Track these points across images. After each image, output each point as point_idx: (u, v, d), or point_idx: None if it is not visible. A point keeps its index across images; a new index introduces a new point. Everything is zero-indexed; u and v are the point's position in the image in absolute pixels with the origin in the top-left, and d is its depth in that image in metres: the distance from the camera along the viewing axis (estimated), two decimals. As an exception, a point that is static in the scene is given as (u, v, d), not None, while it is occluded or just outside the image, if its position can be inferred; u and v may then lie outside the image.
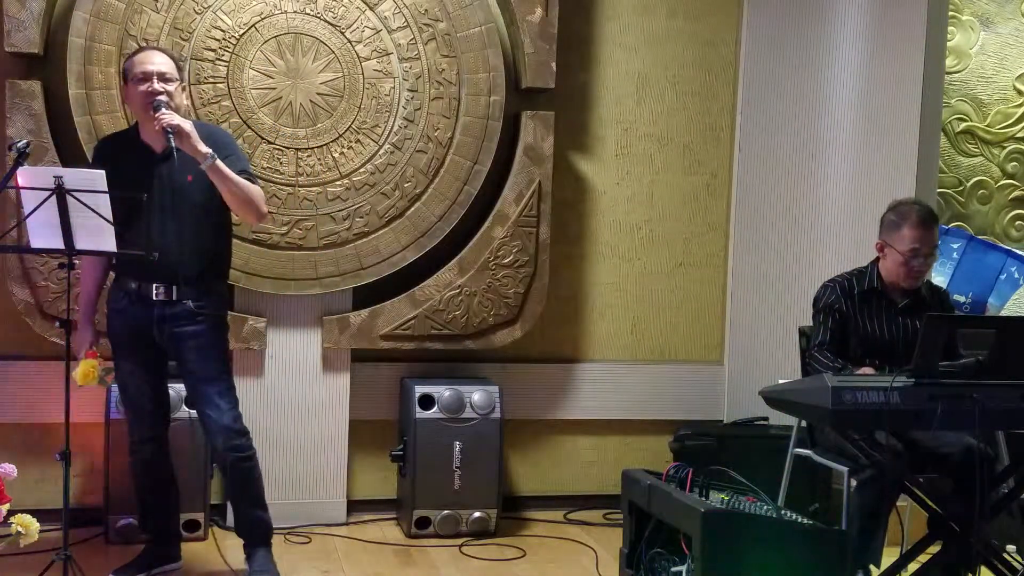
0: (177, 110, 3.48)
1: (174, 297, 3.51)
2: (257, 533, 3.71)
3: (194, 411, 3.92)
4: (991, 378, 3.02)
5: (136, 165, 3.45)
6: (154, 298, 3.51)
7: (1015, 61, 5.01)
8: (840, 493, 3.80)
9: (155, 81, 3.45)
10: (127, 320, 3.58)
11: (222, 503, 4.31)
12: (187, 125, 3.37)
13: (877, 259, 3.74)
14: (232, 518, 4.15)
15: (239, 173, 3.49)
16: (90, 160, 3.71)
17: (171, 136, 3.34)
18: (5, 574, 3.64)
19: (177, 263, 3.46)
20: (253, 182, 3.57)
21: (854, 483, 3.49)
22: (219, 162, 3.40)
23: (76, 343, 3.55)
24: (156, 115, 3.38)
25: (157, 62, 3.49)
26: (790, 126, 4.71)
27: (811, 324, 3.90)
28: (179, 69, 3.58)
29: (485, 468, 4.32)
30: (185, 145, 3.36)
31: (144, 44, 4.03)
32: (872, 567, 3.46)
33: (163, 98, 3.42)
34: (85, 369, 3.49)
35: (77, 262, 3.38)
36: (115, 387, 3.99)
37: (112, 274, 3.68)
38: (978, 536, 3.13)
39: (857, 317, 3.69)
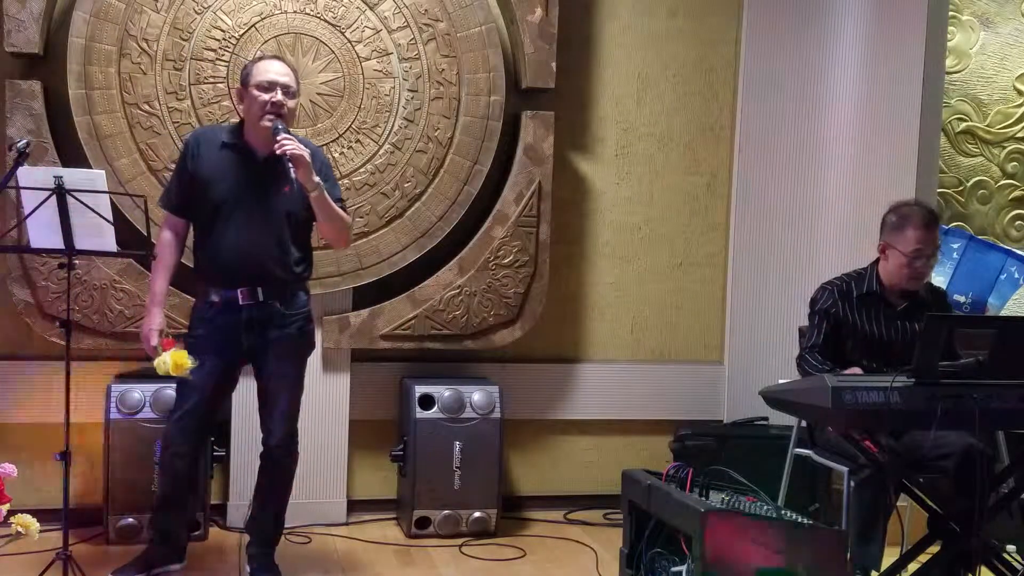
0: (290, 124, 3.50)
1: (261, 298, 3.51)
2: (267, 535, 3.73)
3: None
4: (991, 378, 3.02)
5: (235, 164, 3.46)
6: (240, 303, 3.51)
7: (1015, 61, 5.01)
8: (840, 493, 3.80)
9: (278, 92, 3.45)
10: (213, 330, 3.55)
11: (222, 503, 4.32)
12: (307, 154, 3.39)
13: (876, 261, 3.74)
14: (231, 516, 4.17)
15: (336, 201, 3.54)
16: (184, 143, 3.67)
17: (288, 163, 3.34)
18: (5, 574, 3.64)
19: (263, 265, 3.48)
20: (345, 210, 3.62)
21: (854, 483, 3.49)
22: (325, 192, 3.45)
23: (146, 328, 3.52)
24: (277, 139, 3.37)
25: (283, 74, 3.49)
26: (790, 126, 4.72)
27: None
28: (298, 84, 3.57)
29: (485, 468, 4.32)
30: (302, 174, 3.37)
31: (144, 44, 4.06)
32: (873, 572, 3.46)
33: (281, 123, 3.40)
34: (177, 359, 3.40)
35: (77, 262, 3.38)
36: (117, 387, 4.01)
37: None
38: (978, 536, 3.12)
39: (855, 320, 3.69)
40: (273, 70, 3.49)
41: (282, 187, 3.43)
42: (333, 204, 3.51)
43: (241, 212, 3.48)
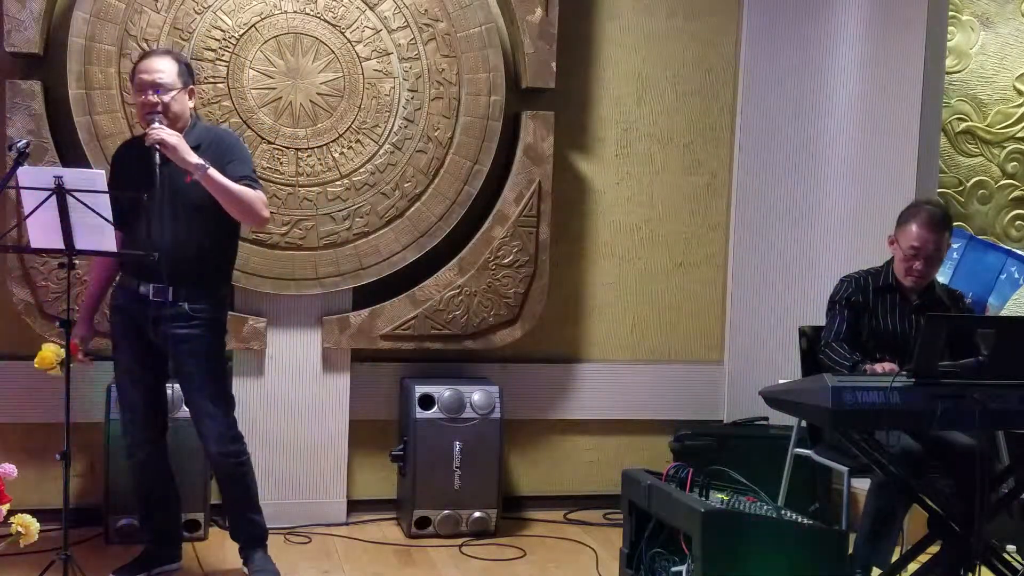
0: (179, 117, 3.48)
1: (170, 298, 3.49)
2: (252, 536, 3.72)
3: (193, 411, 3.93)
4: (991, 378, 3.02)
5: (140, 167, 3.44)
6: (151, 298, 3.50)
7: (1015, 61, 5.00)
8: (840, 493, 3.80)
9: (150, 94, 3.44)
10: (125, 318, 3.58)
11: (222, 503, 4.31)
12: (173, 139, 3.36)
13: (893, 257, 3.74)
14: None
15: (239, 179, 3.48)
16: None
17: (158, 152, 3.35)
18: (5, 574, 3.64)
19: (174, 263, 3.44)
20: (254, 188, 3.53)
21: (855, 483, 3.49)
22: (211, 171, 3.39)
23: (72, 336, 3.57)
24: (146, 129, 3.40)
25: (156, 70, 3.46)
26: (790, 126, 4.72)
27: (811, 325, 3.91)
28: (184, 72, 3.53)
29: (485, 468, 4.32)
30: (175, 158, 3.37)
31: (144, 44, 4.05)
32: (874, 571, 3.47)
33: (159, 110, 3.41)
34: (45, 354, 3.48)
35: (77, 262, 3.38)
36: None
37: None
38: (978, 536, 3.12)
39: (872, 311, 3.69)
40: (145, 70, 3.49)
41: (184, 178, 3.42)
42: (225, 182, 3.42)
43: (155, 210, 3.43)
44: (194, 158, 3.38)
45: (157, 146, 3.35)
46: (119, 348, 3.62)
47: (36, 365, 3.49)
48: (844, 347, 3.60)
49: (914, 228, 3.62)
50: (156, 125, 3.38)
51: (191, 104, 3.57)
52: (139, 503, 3.79)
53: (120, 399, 3.69)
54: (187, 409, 3.89)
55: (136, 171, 3.44)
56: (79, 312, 3.69)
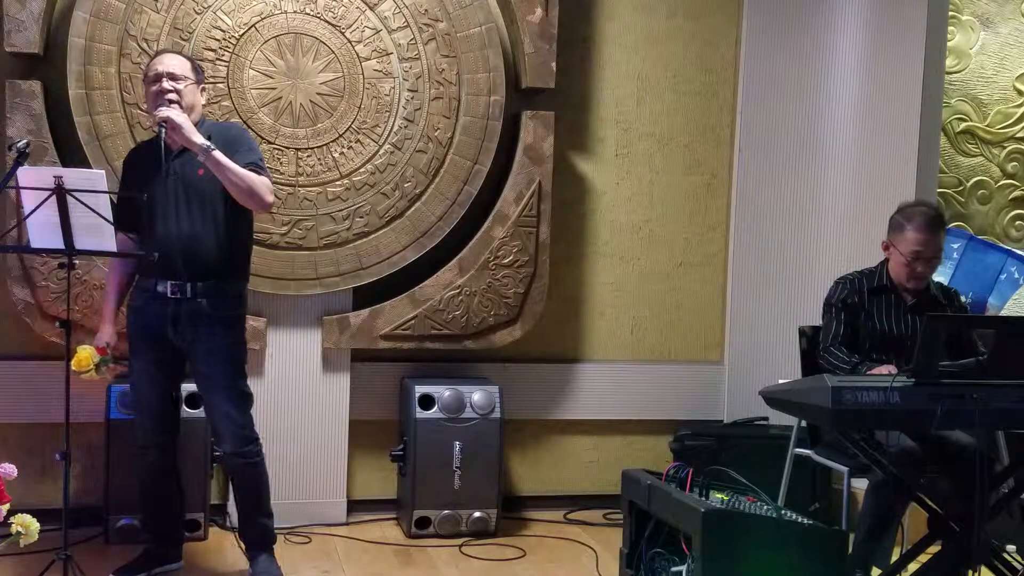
0: (190, 108, 3.51)
1: (188, 295, 3.49)
2: (261, 539, 3.71)
3: (195, 411, 3.94)
4: (991, 378, 3.02)
5: (152, 165, 3.45)
6: (169, 295, 3.50)
7: (1015, 61, 5.00)
8: (840, 493, 3.80)
9: (164, 81, 3.48)
10: (143, 318, 3.57)
11: (222, 503, 4.32)
12: (180, 118, 3.39)
13: (886, 259, 3.74)
14: (233, 519, 4.16)
15: (246, 165, 3.49)
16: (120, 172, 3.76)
17: (163, 129, 3.38)
18: (5, 574, 3.64)
19: (190, 258, 3.44)
20: (261, 174, 3.54)
21: (855, 483, 3.49)
22: (216, 152, 3.40)
23: (96, 339, 3.60)
24: (154, 112, 3.43)
25: (168, 63, 3.53)
26: (790, 126, 4.72)
27: (811, 325, 3.91)
28: (195, 70, 3.60)
29: (485, 468, 4.32)
30: (179, 137, 3.39)
31: (144, 44, 4.06)
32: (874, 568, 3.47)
33: (172, 96, 3.45)
34: (81, 355, 3.45)
35: (77, 262, 3.38)
36: (117, 387, 4.01)
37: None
38: (978, 536, 3.12)
39: (868, 312, 3.70)
40: (156, 63, 3.55)
41: (196, 171, 3.45)
42: (229, 163, 3.43)
43: (169, 205, 3.45)
44: (199, 138, 3.40)
45: (163, 124, 3.37)
46: (135, 349, 3.60)
47: (74, 368, 3.43)
48: (843, 350, 3.61)
49: (913, 232, 3.61)
50: (164, 108, 3.42)
51: (201, 101, 3.62)
52: (143, 503, 3.78)
53: (135, 401, 3.68)
54: (188, 409, 3.91)
55: (148, 173, 3.46)
56: (103, 317, 3.68)
